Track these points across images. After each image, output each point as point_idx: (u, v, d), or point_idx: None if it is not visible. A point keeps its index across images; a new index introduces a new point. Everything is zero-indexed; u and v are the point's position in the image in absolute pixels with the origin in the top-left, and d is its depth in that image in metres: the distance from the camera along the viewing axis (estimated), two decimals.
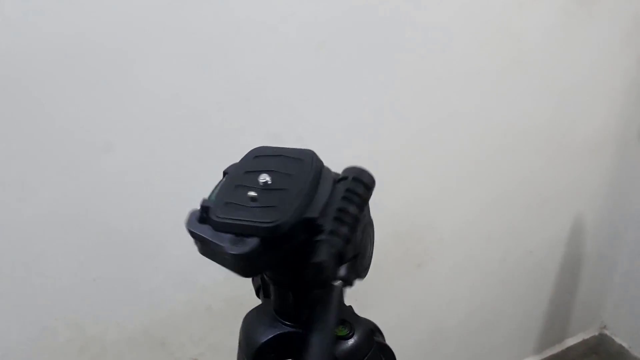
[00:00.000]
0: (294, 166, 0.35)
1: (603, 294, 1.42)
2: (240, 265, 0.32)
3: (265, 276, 0.39)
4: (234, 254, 0.30)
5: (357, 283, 0.36)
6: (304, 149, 0.37)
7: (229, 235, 0.31)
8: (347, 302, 0.44)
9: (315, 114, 0.79)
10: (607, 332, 1.48)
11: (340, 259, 0.32)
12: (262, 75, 0.73)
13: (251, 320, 0.40)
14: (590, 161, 1.17)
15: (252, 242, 0.31)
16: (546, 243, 1.23)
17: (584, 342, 1.47)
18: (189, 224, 0.33)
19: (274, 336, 0.38)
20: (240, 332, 0.40)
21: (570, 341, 1.45)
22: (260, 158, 0.36)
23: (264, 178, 0.34)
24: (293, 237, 0.32)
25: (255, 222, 0.31)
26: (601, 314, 1.46)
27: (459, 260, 1.10)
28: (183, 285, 0.84)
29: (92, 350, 0.80)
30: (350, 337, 0.37)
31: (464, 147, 0.97)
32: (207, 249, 0.32)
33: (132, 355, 0.84)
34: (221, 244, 0.31)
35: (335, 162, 0.38)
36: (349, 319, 0.38)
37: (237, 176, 0.35)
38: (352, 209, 0.33)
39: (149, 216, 0.75)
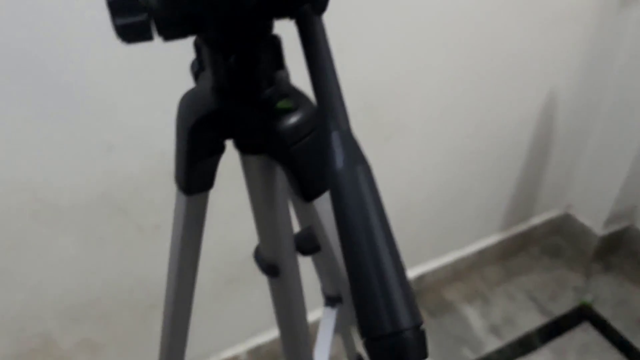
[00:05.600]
0: None
1: (571, 172, 1.43)
2: None
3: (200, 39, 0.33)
4: None
5: None
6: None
7: None
8: None
9: None
10: (571, 211, 1.51)
11: None
12: None
13: (186, 99, 0.36)
14: (569, 30, 1.12)
15: None
16: (518, 117, 1.21)
17: (549, 221, 1.50)
18: None
19: (211, 112, 0.34)
20: (176, 118, 0.37)
21: (536, 220, 1.48)
22: None
23: None
24: None
25: None
26: (568, 193, 1.48)
27: (428, 132, 1.08)
28: (140, 149, 0.80)
29: (45, 214, 0.78)
30: (295, 110, 0.34)
31: (433, 14, 0.92)
32: None
33: (91, 220, 0.82)
34: None
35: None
36: (292, 93, 0.35)
37: None
38: None
39: (96, 67, 0.69)
